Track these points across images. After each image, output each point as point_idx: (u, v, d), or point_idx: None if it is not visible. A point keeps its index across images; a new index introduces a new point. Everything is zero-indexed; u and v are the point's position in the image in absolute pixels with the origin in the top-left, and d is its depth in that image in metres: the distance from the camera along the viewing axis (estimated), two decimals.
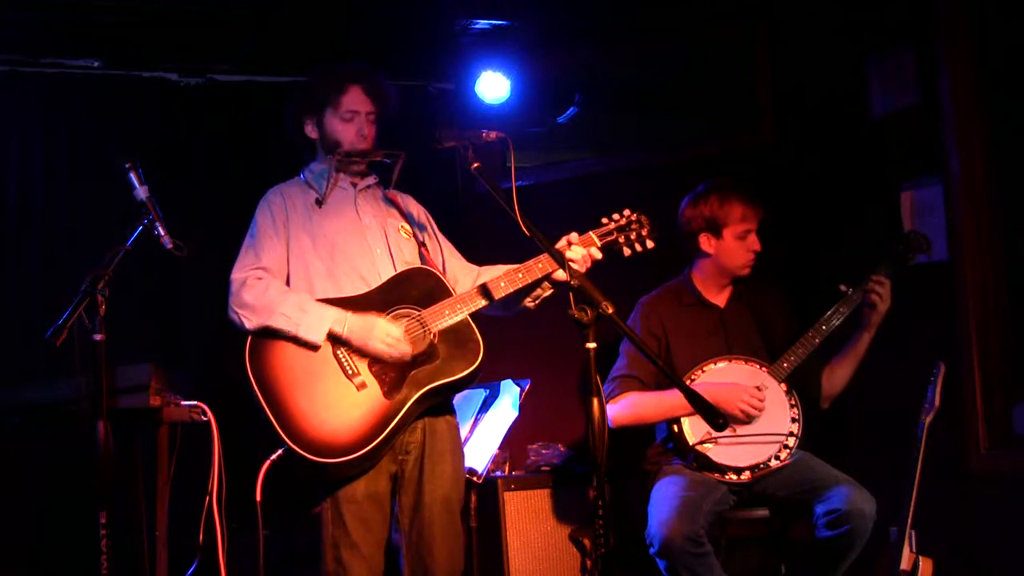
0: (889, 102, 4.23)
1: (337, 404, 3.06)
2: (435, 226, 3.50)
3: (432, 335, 3.14)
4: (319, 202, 3.31)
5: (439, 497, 3.20)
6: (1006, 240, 3.97)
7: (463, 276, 3.42)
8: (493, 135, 3.11)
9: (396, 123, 3.49)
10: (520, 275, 3.21)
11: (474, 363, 3.13)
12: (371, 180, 3.44)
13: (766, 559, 3.85)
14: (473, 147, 3.11)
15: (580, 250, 3.22)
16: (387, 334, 3.08)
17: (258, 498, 3.18)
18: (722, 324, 3.87)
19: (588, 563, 4.13)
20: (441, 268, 3.39)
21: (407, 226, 3.38)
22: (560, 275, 3.22)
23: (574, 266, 3.11)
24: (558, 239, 3.25)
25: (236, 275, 3.19)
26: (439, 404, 3.23)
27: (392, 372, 3.10)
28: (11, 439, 3.77)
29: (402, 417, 3.07)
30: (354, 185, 3.39)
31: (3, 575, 4.19)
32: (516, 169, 2.96)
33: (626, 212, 3.31)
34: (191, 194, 4.80)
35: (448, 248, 3.48)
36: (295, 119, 3.40)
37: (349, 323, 3.10)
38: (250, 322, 3.12)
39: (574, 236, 3.26)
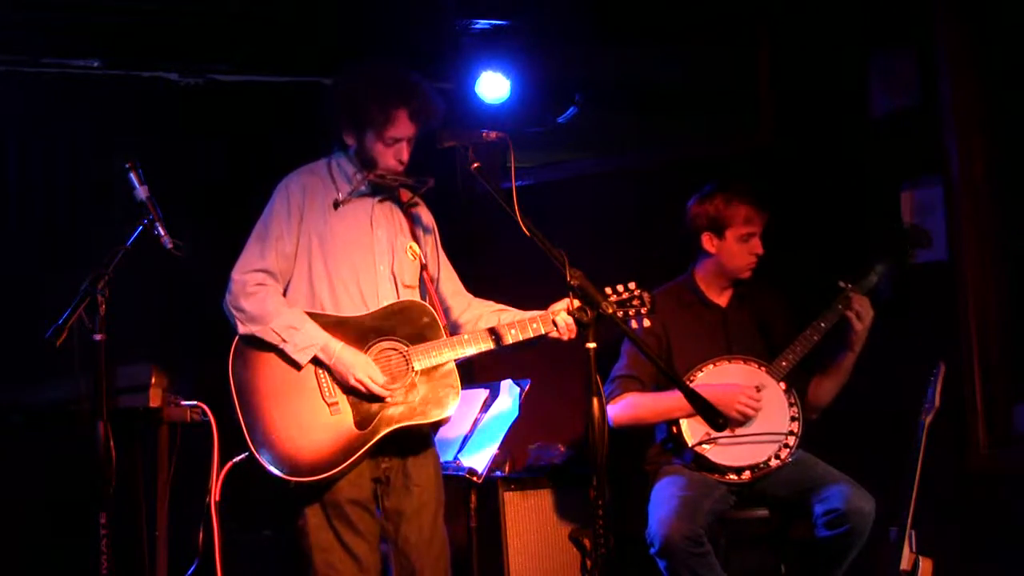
0: (889, 102, 4.23)
1: (308, 423, 3.07)
2: (439, 242, 3.47)
3: (414, 373, 3.14)
4: (336, 205, 3.26)
5: (425, 501, 3.21)
6: (1006, 240, 3.97)
7: (454, 303, 3.40)
8: (493, 135, 3.09)
9: None
10: (513, 331, 3.19)
11: (448, 409, 3.13)
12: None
13: (766, 559, 3.85)
14: (473, 147, 3.10)
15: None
16: (369, 377, 3.08)
17: (216, 498, 3.22)
18: (723, 324, 3.87)
19: (588, 563, 4.13)
20: (435, 289, 3.38)
21: (415, 246, 3.34)
22: (553, 335, 3.20)
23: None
24: (558, 240, 3.23)
25: (237, 275, 3.18)
26: (417, 435, 3.23)
27: (367, 403, 3.10)
28: (11, 439, 3.77)
29: (366, 450, 3.08)
30: (375, 194, 3.33)
31: (3, 575, 4.19)
32: (516, 169, 2.96)
33: (631, 286, 3.22)
34: (191, 194, 4.80)
35: (446, 269, 3.45)
36: (333, 122, 3.30)
37: (337, 354, 3.09)
38: (243, 326, 3.13)
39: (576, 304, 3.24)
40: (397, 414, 3.11)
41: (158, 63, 4.81)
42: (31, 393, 3.55)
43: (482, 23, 4.78)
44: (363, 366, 3.09)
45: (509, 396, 4.22)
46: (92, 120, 4.72)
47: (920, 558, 3.61)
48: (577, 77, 5.08)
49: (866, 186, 4.31)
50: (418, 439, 3.25)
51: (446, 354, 3.15)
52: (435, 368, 3.14)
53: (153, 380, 3.46)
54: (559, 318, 3.17)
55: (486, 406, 4.18)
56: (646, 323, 3.22)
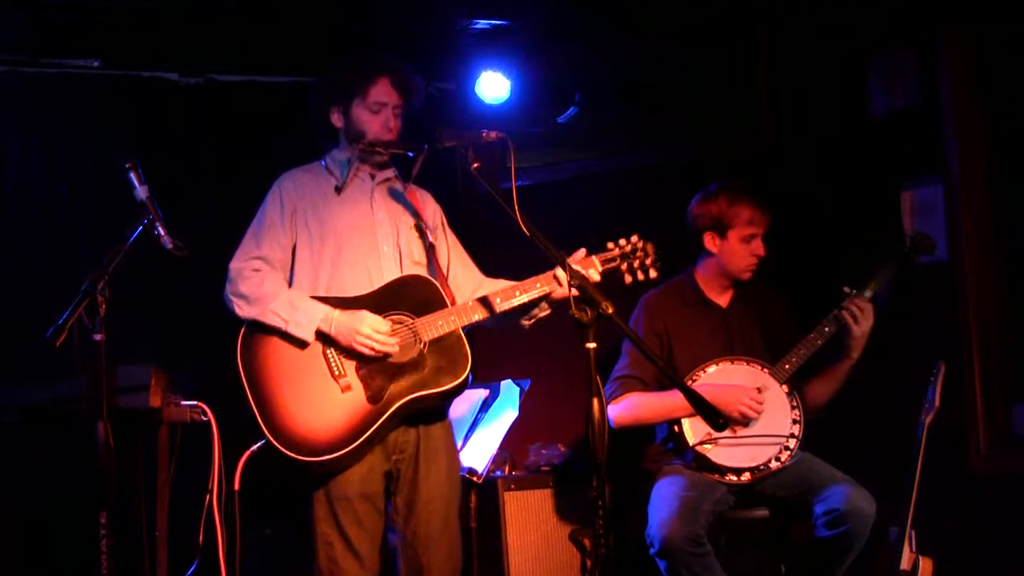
0: (889, 102, 4.23)
1: (320, 404, 3.08)
2: (447, 227, 3.49)
3: (423, 344, 3.14)
4: (338, 189, 3.31)
5: (435, 496, 3.20)
6: (1006, 240, 3.97)
7: (464, 284, 3.40)
8: (493, 135, 3.10)
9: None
10: (518, 293, 3.20)
11: (460, 377, 3.13)
12: (390, 173, 3.42)
13: (766, 559, 3.85)
14: (473, 147, 3.10)
15: (580, 269, 3.16)
16: (373, 328, 3.08)
17: (236, 487, 3.24)
18: (724, 324, 3.87)
19: (588, 563, 4.13)
20: (446, 271, 3.39)
21: (420, 224, 3.37)
22: (559, 294, 3.22)
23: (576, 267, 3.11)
24: (558, 240, 3.24)
25: (234, 264, 3.23)
26: (431, 410, 3.23)
27: (378, 378, 3.11)
28: (11, 439, 3.77)
29: (381, 424, 3.08)
30: (372, 177, 3.38)
31: (3, 575, 4.19)
32: (516, 169, 2.96)
33: (633, 239, 3.28)
34: (191, 194, 4.81)
35: (456, 252, 3.46)
36: (321, 107, 3.37)
37: (335, 321, 3.10)
38: (243, 310, 3.15)
39: (581, 253, 3.23)
40: (408, 385, 3.11)
41: (158, 63, 4.81)
42: (31, 393, 3.55)
43: (482, 23, 4.78)
44: (364, 321, 3.08)
45: (509, 396, 4.22)
46: (92, 120, 4.72)
47: (920, 558, 3.61)
48: (577, 77, 5.08)
49: (866, 186, 4.31)
50: (433, 424, 3.25)
51: (453, 322, 3.15)
52: (443, 337, 3.15)
53: (153, 380, 3.46)
54: (560, 272, 3.17)
55: (486, 406, 4.19)
56: (652, 274, 3.25)
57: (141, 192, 3.09)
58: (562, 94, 5.07)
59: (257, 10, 4.47)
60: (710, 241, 3.84)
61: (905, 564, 3.61)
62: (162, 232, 3.04)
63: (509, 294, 3.19)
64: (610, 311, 2.67)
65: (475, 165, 3.08)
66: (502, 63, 4.84)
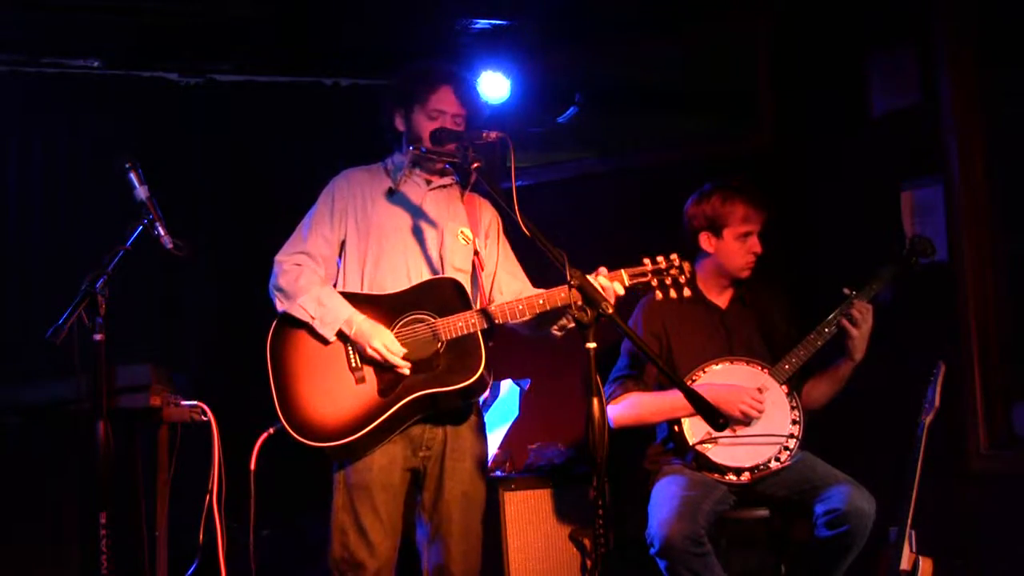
0: (889, 102, 4.23)
1: (334, 392, 3.15)
2: (501, 236, 3.51)
3: (440, 344, 3.17)
4: (391, 191, 3.36)
5: (458, 494, 3.26)
6: (1006, 240, 3.97)
7: (508, 292, 3.42)
8: (493, 135, 3.11)
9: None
10: (541, 301, 3.20)
11: (469, 378, 3.15)
12: (448, 180, 3.46)
13: (766, 559, 3.85)
14: (473, 147, 3.11)
15: (605, 282, 3.17)
16: (386, 345, 3.14)
17: (252, 467, 3.28)
18: (723, 325, 3.86)
19: (588, 563, 4.13)
20: (491, 278, 3.43)
21: (467, 231, 3.40)
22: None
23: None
24: (558, 240, 3.23)
25: (279, 257, 3.32)
26: (456, 410, 3.28)
27: (392, 373, 3.16)
28: (11, 439, 3.78)
29: (388, 417, 3.13)
30: (428, 183, 3.42)
31: (3, 575, 4.19)
32: (516, 169, 2.96)
33: (673, 257, 3.26)
34: (191, 194, 4.81)
35: (505, 260, 3.49)
36: (386, 109, 3.43)
37: (356, 326, 3.17)
38: (281, 304, 3.25)
39: (603, 271, 3.22)
40: (420, 382, 3.16)
41: (158, 63, 4.82)
42: (31, 393, 3.55)
43: (482, 23, 4.79)
44: (380, 336, 3.15)
45: (509, 396, 4.22)
46: (92, 120, 4.72)
47: (920, 558, 3.61)
48: (577, 77, 5.08)
49: (866, 186, 4.31)
50: (462, 424, 3.30)
51: (473, 325, 3.18)
52: (461, 339, 3.18)
53: (153, 380, 3.47)
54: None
55: (486, 406, 4.19)
56: (686, 292, 3.26)
57: (141, 192, 3.09)
58: (562, 94, 5.08)
59: (257, 10, 4.47)
60: (706, 241, 3.84)
61: (905, 564, 3.61)
62: (162, 232, 3.04)
63: (532, 302, 3.21)
64: (610, 311, 2.67)
65: (475, 165, 3.09)
66: (502, 63, 4.84)
